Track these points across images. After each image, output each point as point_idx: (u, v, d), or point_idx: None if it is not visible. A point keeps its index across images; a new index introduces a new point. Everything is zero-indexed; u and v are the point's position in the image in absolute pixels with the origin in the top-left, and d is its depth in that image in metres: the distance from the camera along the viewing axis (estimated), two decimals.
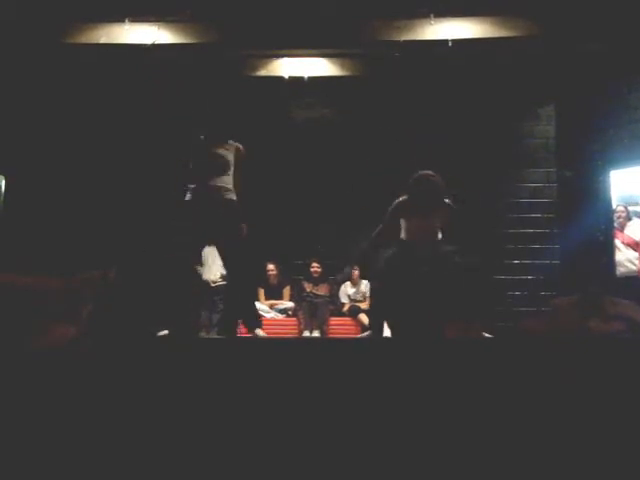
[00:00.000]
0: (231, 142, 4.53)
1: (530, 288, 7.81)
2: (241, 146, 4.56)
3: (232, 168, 4.46)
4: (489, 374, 2.64)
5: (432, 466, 2.38)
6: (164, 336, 4.57)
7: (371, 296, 5.46)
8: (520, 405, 2.51)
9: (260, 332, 4.57)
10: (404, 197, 4.57)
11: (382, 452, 2.40)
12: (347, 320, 7.50)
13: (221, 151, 4.45)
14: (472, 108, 7.82)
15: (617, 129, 7.39)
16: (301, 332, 7.22)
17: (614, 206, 7.32)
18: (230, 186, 4.43)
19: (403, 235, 4.60)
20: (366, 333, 4.92)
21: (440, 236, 4.58)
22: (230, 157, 4.46)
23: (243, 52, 7.55)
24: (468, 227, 4.93)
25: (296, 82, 7.68)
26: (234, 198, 4.43)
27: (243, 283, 4.57)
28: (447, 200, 4.55)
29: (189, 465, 2.37)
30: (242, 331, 4.83)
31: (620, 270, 6.99)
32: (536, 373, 2.62)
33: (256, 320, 4.65)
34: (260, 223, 7.19)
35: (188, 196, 4.43)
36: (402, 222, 4.61)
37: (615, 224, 7.17)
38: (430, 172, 4.53)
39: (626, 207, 7.12)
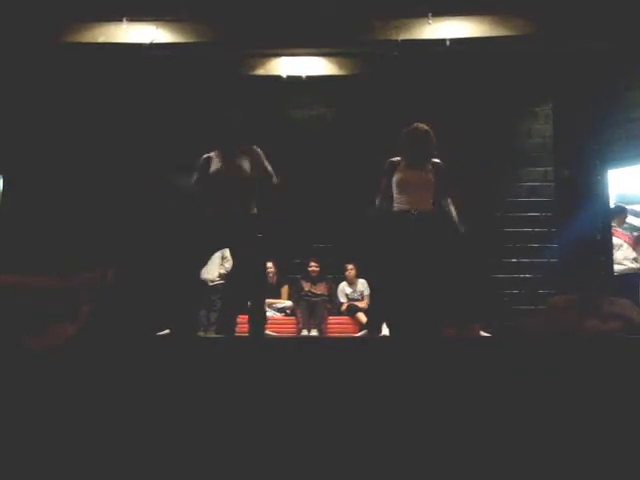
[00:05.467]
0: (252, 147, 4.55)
1: (528, 287, 7.83)
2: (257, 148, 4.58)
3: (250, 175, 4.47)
4: (487, 373, 2.65)
5: (430, 464, 2.39)
6: (164, 335, 4.57)
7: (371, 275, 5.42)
8: (517, 403, 2.52)
9: (268, 332, 4.57)
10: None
11: (380, 450, 2.40)
12: (345, 319, 7.51)
13: (238, 162, 4.47)
14: (470, 107, 7.82)
15: (615, 128, 7.40)
16: (299, 331, 7.23)
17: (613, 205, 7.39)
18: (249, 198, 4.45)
19: (396, 198, 4.57)
20: (362, 332, 4.92)
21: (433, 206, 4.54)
22: (246, 165, 4.48)
23: (241, 51, 7.54)
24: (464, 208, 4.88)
25: (294, 81, 7.67)
26: (253, 212, 4.46)
27: (255, 285, 4.53)
28: (436, 160, 4.54)
29: (188, 465, 2.37)
30: (240, 330, 4.83)
31: (619, 268, 7.02)
32: (534, 372, 2.63)
33: (263, 324, 4.60)
34: (259, 222, 7.20)
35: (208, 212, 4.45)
36: (394, 181, 4.58)
37: (614, 223, 7.22)
38: (420, 125, 4.56)
39: None
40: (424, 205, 4.47)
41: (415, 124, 4.58)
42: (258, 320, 4.46)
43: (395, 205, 4.53)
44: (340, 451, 2.40)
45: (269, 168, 4.55)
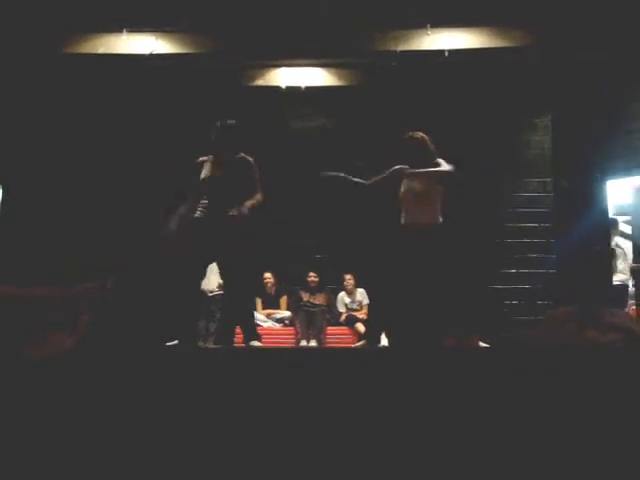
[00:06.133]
0: (241, 155, 4.59)
1: (527, 297, 7.82)
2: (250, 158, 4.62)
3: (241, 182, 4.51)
4: (486, 384, 2.64)
5: (430, 476, 2.38)
6: (173, 346, 4.56)
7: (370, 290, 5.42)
8: (517, 415, 2.52)
9: (255, 343, 4.55)
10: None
11: (379, 462, 2.39)
12: (344, 329, 7.51)
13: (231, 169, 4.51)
14: (469, 118, 7.83)
15: (613, 139, 7.43)
16: (298, 342, 7.22)
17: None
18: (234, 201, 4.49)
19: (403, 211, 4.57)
20: (360, 342, 4.91)
21: (440, 219, 4.51)
22: (239, 173, 4.52)
23: (240, 62, 7.57)
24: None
25: (293, 92, 7.70)
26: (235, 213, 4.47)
27: (241, 295, 4.58)
28: (439, 160, 4.53)
29: (185, 476, 2.37)
30: (239, 340, 4.83)
31: (621, 277, 7.04)
32: (533, 383, 2.62)
33: (254, 332, 4.63)
34: (257, 232, 7.22)
35: (199, 213, 4.50)
36: (400, 192, 4.58)
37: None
38: (416, 133, 4.58)
39: None
40: (426, 218, 4.44)
41: (410, 132, 4.59)
42: (245, 330, 4.56)
43: (402, 217, 4.55)
44: (338, 463, 2.39)
45: (257, 184, 4.58)
